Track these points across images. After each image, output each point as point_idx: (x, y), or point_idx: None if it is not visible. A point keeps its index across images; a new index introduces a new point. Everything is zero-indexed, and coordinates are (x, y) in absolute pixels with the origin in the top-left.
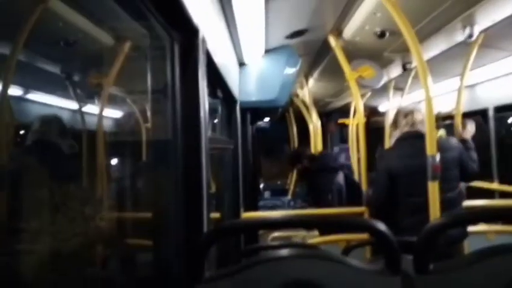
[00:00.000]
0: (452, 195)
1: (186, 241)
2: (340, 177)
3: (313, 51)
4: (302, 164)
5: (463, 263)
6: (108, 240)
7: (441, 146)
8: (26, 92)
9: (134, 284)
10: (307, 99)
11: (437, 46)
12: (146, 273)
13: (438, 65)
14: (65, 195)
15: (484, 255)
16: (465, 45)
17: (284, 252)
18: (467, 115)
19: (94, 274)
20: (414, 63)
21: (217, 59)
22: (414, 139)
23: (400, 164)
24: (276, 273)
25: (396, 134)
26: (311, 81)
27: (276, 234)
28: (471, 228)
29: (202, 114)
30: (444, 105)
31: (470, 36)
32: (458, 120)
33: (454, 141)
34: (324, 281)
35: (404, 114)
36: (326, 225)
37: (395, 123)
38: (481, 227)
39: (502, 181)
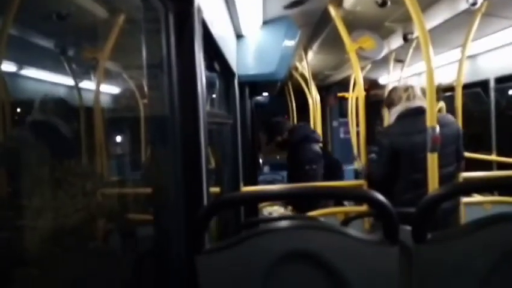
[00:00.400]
0: (451, 169)
1: (187, 215)
2: (317, 148)
3: (312, 22)
4: (282, 136)
5: (460, 232)
6: (109, 215)
7: (439, 122)
8: (20, 68)
9: (136, 257)
10: (307, 73)
11: (439, 15)
12: (148, 247)
13: (439, 36)
14: (66, 172)
15: (481, 224)
16: (468, 14)
17: (283, 223)
18: (467, 86)
19: (96, 249)
20: (416, 33)
21: (214, 30)
22: (415, 115)
23: (404, 140)
24: (275, 244)
25: (398, 109)
26: (310, 53)
27: (276, 207)
28: (467, 199)
29: (199, 87)
30: (444, 76)
31: (474, 3)
32: (459, 92)
33: (450, 117)
34: (323, 251)
35: (403, 89)
36: (325, 196)
37: (392, 100)
38: (477, 198)
39: (500, 153)
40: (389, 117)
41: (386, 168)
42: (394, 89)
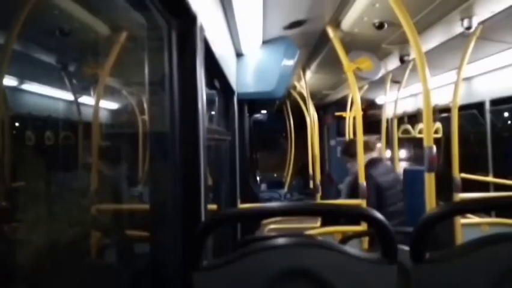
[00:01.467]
0: (400, 205)
1: (184, 231)
2: None
3: (311, 43)
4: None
5: (458, 252)
6: (105, 232)
7: (390, 167)
8: (20, 83)
9: (133, 273)
10: (305, 92)
11: (435, 38)
12: (144, 263)
13: (436, 58)
14: (61, 188)
15: (479, 244)
16: (463, 37)
17: (281, 240)
18: (463, 108)
19: (92, 265)
20: (412, 55)
21: (215, 48)
22: (381, 161)
23: (382, 180)
24: (273, 262)
25: (374, 154)
26: (308, 73)
27: (273, 226)
28: (465, 221)
29: (200, 104)
30: (441, 97)
31: (469, 27)
32: (455, 113)
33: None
34: (320, 269)
35: (374, 142)
36: (323, 213)
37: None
38: (474, 219)
39: (496, 174)
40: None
41: (374, 204)
42: (353, 141)
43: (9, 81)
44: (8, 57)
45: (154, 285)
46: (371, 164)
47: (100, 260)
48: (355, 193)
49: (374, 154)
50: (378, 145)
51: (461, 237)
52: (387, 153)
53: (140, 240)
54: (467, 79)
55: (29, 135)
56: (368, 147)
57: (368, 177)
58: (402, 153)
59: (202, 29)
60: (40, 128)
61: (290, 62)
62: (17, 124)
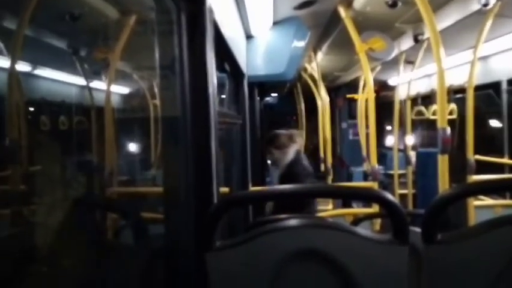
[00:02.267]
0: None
1: (197, 213)
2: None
3: (322, 23)
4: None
5: (470, 233)
6: (120, 213)
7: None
8: (34, 68)
9: (147, 254)
10: (316, 74)
11: (451, 16)
12: (159, 244)
13: (451, 37)
14: (77, 171)
15: (491, 225)
16: (480, 15)
17: (292, 222)
18: (479, 88)
19: (107, 245)
20: (427, 34)
21: (225, 31)
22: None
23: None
24: (285, 242)
25: (296, 147)
26: (320, 54)
27: None
28: (478, 203)
29: (210, 87)
30: (455, 78)
31: (486, 4)
32: (470, 94)
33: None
34: (332, 250)
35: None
36: (336, 196)
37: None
38: (488, 202)
39: None
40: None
41: None
42: (279, 134)
43: (23, 66)
44: (19, 42)
45: (168, 265)
46: (298, 155)
47: (116, 240)
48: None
49: (296, 147)
50: (299, 139)
51: (474, 219)
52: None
53: (155, 222)
54: (483, 58)
55: (44, 120)
56: (292, 139)
57: (301, 167)
58: (411, 139)
59: (211, 11)
60: (55, 113)
61: (301, 44)
62: (32, 109)
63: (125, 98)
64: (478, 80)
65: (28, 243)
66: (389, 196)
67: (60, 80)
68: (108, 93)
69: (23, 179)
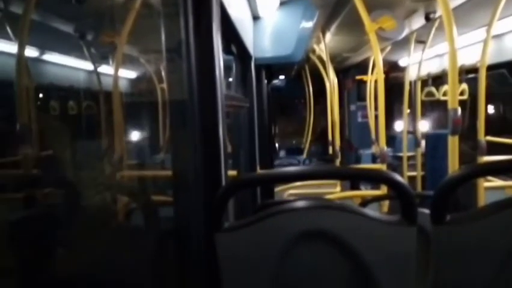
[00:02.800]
0: None
1: (206, 196)
2: None
3: (330, 2)
4: None
5: (479, 214)
6: (130, 196)
7: None
8: (41, 53)
9: (158, 235)
10: (324, 55)
11: None
12: (169, 226)
13: (463, 15)
14: (87, 155)
15: (500, 206)
16: None
17: (300, 203)
18: (491, 68)
19: (119, 227)
20: (439, 12)
21: (231, 12)
22: None
23: None
24: (293, 223)
25: None
26: (328, 35)
27: (292, 191)
28: (489, 184)
29: (217, 70)
30: (468, 57)
31: None
32: (482, 73)
33: None
34: (340, 231)
35: None
36: (344, 177)
37: None
38: (498, 183)
39: None
40: None
41: None
42: None
43: (31, 52)
44: (26, 27)
45: (178, 246)
46: None
47: (127, 223)
48: None
49: None
50: None
51: (484, 201)
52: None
53: (164, 204)
54: (497, 37)
55: (53, 105)
56: None
57: None
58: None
59: None
60: (63, 98)
61: (309, 24)
62: (41, 95)
63: (132, 82)
64: (491, 60)
65: (40, 226)
66: (397, 176)
67: (68, 65)
68: (116, 77)
69: (34, 163)
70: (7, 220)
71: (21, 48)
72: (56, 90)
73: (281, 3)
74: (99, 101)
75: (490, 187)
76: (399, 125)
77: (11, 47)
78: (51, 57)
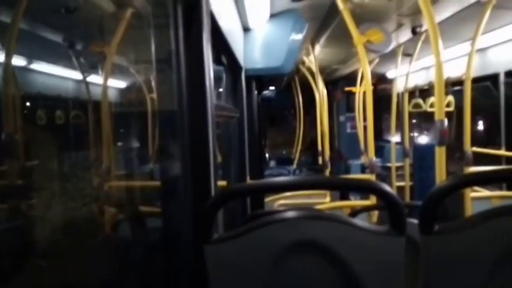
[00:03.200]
0: None
1: (195, 206)
2: None
3: (320, 16)
4: None
5: (467, 224)
6: (119, 207)
7: None
8: (29, 62)
9: (146, 247)
10: (314, 67)
11: (449, 7)
12: (157, 237)
13: (449, 29)
14: (74, 166)
15: (489, 216)
16: (478, 6)
17: (290, 214)
18: (477, 80)
19: (105, 240)
20: (425, 26)
21: (222, 23)
22: None
23: None
24: (283, 234)
25: None
26: (317, 47)
27: (282, 202)
28: (476, 194)
29: (207, 80)
30: (453, 70)
31: None
32: (468, 86)
33: None
34: (330, 241)
35: None
36: (334, 187)
37: None
38: (485, 193)
39: (509, 148)
40: None
41: None
42: None
43: (18, 61)
44: (15, 36)
45: (166, 257)
46: None
47: (114, 234)
48: None
49: None
50: None
51: (471, 211)
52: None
53: (153, 215)
54: (481, 50)
55: (40, 114)
56: None
57: None
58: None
59: (208, 2)
60: (51, 108)
61: (299, 36)
62: (28, 104)
63: (122, 92)
64: (475, 72)
65: (27, 237)
66: (386, 186)
67: (56, 75)
68: (105, 87)
69: (20, 174)
70: None
71: (8, 56)
72: (43, 100)
73: (271, 16)
74: (87, 111)
75: (476, 197)
76: (393, 136)
77: None
78: (39, 66)
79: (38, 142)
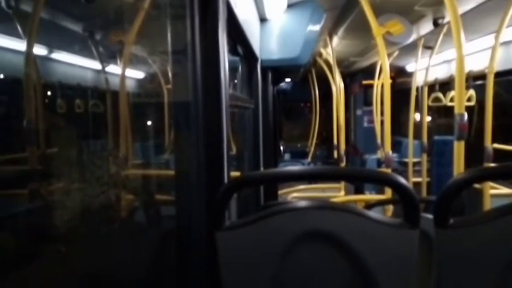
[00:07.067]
0: None
1: (208, 194)
2: None
3: (338, 6)
4: None
5: (482, 218)
6: (134, 195)
7: None
8: (49, 52)
9: (160, 233)
10: (331, 59)
11: None
12: (171, 224)
13: (472, 21)
14: (92, 154)
15: (504, 211)
16: None
17: (302, 203)
18: (500, 74)
19: (121, 225)
20: (447, 18)
21: (238, 13)
22: None
23: None
24: (294, 223)
25: None
26: (335, 39)
27: (296, 195)
28: (494, 191)
29: (222, 69)
30: (475, 64)
31: None
32: (490, 79)
33: None
34: (342, 232)
35: None
36: (348, 178)
37: None
38: (505, 190)
39: None
40: None
41: None
42: None
43: (39, 50)
44: (36, 25)
45: (179, 244)
46: None
47: (130, 220)
48: None
49: None
50: None
51: (490, 207)
52: None
53: (168, 203)
54: (506, 43)
55: (60, 103)
56: None
57: None
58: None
59: None
60: (70, 97)
61: (316, 27)
62: (48, 93)
63: (139, 82)
64: (499, 66)
65: (46, 222)
66: (401, 179)
67: (76, 64)
68: (123, 77)
69: (40, 161)
70: (10, 215)
71: (29, 46)
72: (63, 88)
73: (289, 6)
74: (106, 100)
75: (496, 194)
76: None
77: (21, 45)
78: (59, 55)
79: (58, 130)
